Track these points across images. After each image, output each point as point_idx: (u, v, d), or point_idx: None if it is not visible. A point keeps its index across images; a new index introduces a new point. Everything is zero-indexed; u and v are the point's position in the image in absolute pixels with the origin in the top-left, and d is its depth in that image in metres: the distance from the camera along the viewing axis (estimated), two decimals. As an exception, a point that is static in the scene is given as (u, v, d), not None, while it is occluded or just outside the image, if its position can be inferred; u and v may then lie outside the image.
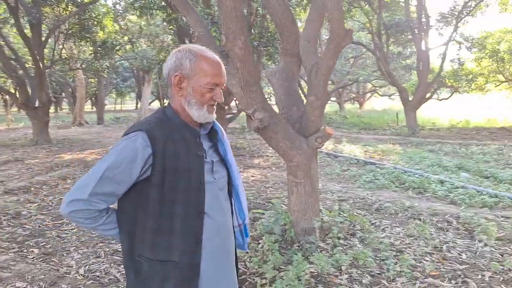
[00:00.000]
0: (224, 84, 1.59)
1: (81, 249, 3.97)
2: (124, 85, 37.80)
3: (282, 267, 3.44)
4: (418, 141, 13.36)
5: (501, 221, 4.71)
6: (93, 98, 39.98)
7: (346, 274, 3.40)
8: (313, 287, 3.18)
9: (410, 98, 16.33)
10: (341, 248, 3.84)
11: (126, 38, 23.13)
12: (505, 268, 3.46)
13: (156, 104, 45.24)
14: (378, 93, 35.87)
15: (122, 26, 23.81)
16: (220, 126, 1.74)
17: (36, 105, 12.54)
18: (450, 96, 19.33)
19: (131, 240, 1.52)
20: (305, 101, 4.31)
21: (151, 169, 1.46)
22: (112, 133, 17.58)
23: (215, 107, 1.59)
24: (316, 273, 3.36)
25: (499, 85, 18.64)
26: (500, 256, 3.75)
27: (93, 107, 41.10)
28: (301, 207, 4.14)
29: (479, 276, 3.35)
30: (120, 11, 22.67)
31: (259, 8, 9.94)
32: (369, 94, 38.38)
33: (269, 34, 10.33)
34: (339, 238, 4.08)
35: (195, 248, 1.52)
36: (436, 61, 19.65)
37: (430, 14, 15.79)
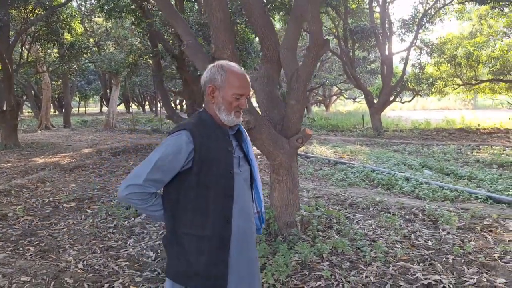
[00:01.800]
0: (249, 94, 1.93)
1: (76, 246, 4.14)
2: (88, 88, 37.09)
3: (269, 256, 3.75)
4: (383, 142, 14.04)
5: (461, 212, 5.21)
6: (56, 101, 39.03)
7: (327, 261, 3.75)
8: (300, 271, 3.51)
9: (375, 101, 17.06)
10: (321, 238, 4.19)
11: (92, 40, 22.83)
12: (466, 252, 3.91)
13: (122, 108, 44.68)
14: (344, 96, 36.92)
15: (88, 29, 23.49)
16: (244, 129, 2.07)
17: (4, 108, 12.31)
18: (411, 99, 20.30)
19: (174, 220, 1.86)
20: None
21: (192, 161, 1.80)
22: (81, 136, 17.35)
23: (241, 112, 1.92)
24: (300, 261, 3.69)
25: (457, 88, 19.75)
26: (461, 242, 4.20)
27: (56, 110, 40.07)
28: (283, 202, 4.47)
29: (444, 259, 3.79)
30: (86, 13, 22.38)
31: (231, 14, 10.24)
32: (334, 97, 39.42)
33: (240, 39, 10.63)
34: (318, 230, 4.44)
35: (225, 226, 1.85)
36: (399, 66, 20.59)
37: (393, 21, 16.58)
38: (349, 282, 3.37)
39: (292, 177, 4.46)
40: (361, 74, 21.80)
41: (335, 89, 35.78)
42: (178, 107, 38.08)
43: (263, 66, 4.90)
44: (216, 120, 1.91)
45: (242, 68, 1.95)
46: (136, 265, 3.71)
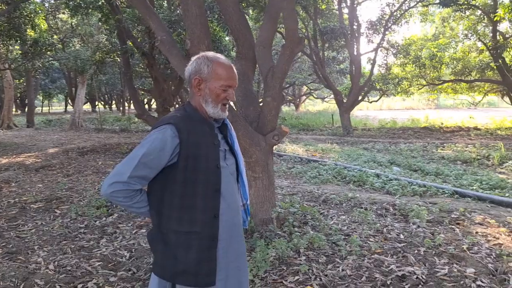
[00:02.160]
0: (236, 85, 1.89)
1: (46, 247, 4.00)
2: (53, 87, 35.92)
3: (247, 252, 3.75)
4: (353, 140, 14.33)
5: (430, 206, 5.38)
6: (18, 100, 37.57)
7: (304, 256, 3.80)
8: (277, 267, 3.53)
9: (344, 101, 17.38)
10: (297, 234, 4.23)
11: (56, 37, 22.11)
12: (436, 244, 4.05)
13: (87, 107, 43.50)
14: (313, 95, 37.38)
15: (53, 25, 22.73)
16: (229, 122, 2.03)
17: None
18: (379, 99, 20.81)
19: (160, 216, 1.81)
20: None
21: (178, 156, 1.75)
22: (46, 136, 16.78)
23: (227, 105, 1.89)
24: (277, 256, 3.71)
25: (421, 88, 20.41)
26: (431, 235, 4.34)
27: (18, 110, 38.56)
28: (259, 199, 4.48)
29: (416, 251, 3.90)
30: (50, 10, 21.65)
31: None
32: (304, 97, 39.87)
33: (211, 37, 10.56)
34: (294, 226, 4.49)
35: (213, 221, 1.82)
36: (367, 66, 21.07)
37: (361, 22, 16.93)
38: (326, 275, 3.42)
39: (268, 174, 4.48)
40: (330, 74, 22.14)
41: (304, 88, 36.18)
42: (147, 106, 37.40)
43: (238, 63, 4.90)
44: (201, 113, 1.87)
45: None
46: (110, 265, 3.63)
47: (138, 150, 1.74)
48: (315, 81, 25.53)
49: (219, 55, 1.89)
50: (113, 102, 47.44)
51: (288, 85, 28.05)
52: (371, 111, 37.72)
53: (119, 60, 15.23)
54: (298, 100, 38.81)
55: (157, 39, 4.12)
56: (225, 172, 1.88)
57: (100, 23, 16.53)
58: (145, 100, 37.42)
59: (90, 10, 11.40)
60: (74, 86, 26.07)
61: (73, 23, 22.82)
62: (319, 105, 45.83)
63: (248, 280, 2.06)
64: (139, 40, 11.25)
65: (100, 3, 10.79)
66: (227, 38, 12.11)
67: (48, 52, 17.55)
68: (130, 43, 11.34)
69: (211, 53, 1.89)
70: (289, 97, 38.33)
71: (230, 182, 1.92)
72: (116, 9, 10.67)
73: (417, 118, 21.98)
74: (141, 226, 4.71)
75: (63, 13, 21.87)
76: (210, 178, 1.81)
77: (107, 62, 16.38)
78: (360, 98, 17.76)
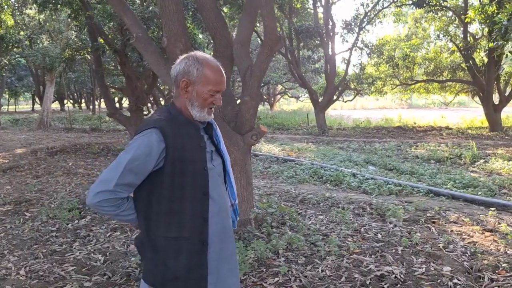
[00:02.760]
0: (224, 89, 1.82)
1: (16, 252, 3.82)
2: (19, 85, 34.68)
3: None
4: (328, 139, 14.44)
5: (406, 205, 5.45)
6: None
7: (283, 257, 3.75)
8: (257, 269, 3.48)
9: (320, 100, 17.49)
10: (276, 235, 4.19)
11: (23, 33, 21.37)
12: (413, 243, 4.08)
13: (56, 105, 42.25)
14: (288, 94, 37.54)
15: (19, 21, 21.95)
16: (214, 121, 1.95)
17: None
18: (353, 98, 21.07)
19: (148, 222, 1.75)
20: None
21: (164, 161, 1.69)
22: (13, 135, 16.20)
23: (213, 109, 1.82)
24: (256, 258, 3.66)
25: (394, 88, 20.79)
26: (408, 234, 4.39)
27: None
28: (237, 200, 4.41)
29: (393, 251, 3.93)
30: (17, 5, 20.90)
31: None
32: (279, 96, 39.99)
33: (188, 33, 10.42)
34: (272, 227, 4.44)
35: (203, 226, 1.76)
36: (342, 66, 21.30)
37: (336, 22, 17.12)
38: (306, 276, 3.39)
39: (246, 174, 4.42)
40: (305, 73, 22.27)
41: (279, 87, 36.29)
42: (118, 105, 36.64)
43: (215, 61, 4.82)
44: (186, 115, 1.80)
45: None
46: (84, 270, 3.49)
47: (123, 156, 1.67)
48: (290, 80, 25.66)
49: (208, 57, 1.80)
50: (83, 100, 46.28)
51: (263, 84, 28.04)
52: (345, 111, 38.16)
53: (89, 57, 14.83)
54: (272, 99, 38.88)
55: (132, 37, 3.99)
56: (213, 174, 1.82)
57: (69, 20, 16.07)
58: (116, 99, 36.70)
59: (59, 6, 11.03)
60: (42, 84, 25.25)
61: (41, 19, 22.11)
62: (293, 104, 46.07)
63: (239, 281, 2.01)
64: (110, 37, 10.97)
65: (70, -2, 10.44)
66: (201, 36, 11.95)
67: (15, 49, 16.92)
68: (101, 40, 11.04)
69: (200, 54, 1.80)
70: (264, 96, 38.38)
71: (218, 184, 1.86)
72: (87, 5, 10.36)
73: (391, 117, 22.38)
74: (115, 229, 4.57)
75: (31, 8, 21.16)
76: (198, 181, 1.76)
77: (77, 59, 15.94)
78: (335, 97, 17.93)
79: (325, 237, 4.28)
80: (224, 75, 1.81)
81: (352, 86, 18.92)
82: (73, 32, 18.84)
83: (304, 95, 35.51)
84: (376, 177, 7.07)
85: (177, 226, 1.73)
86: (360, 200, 5.80)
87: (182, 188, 1.72)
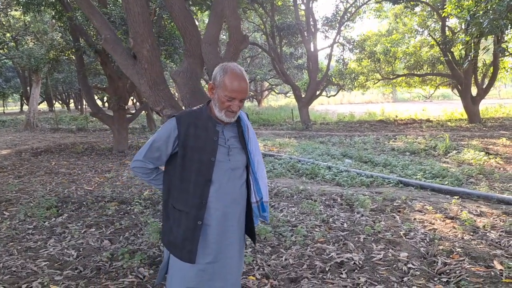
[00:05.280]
0: (243, 98, 2.05)
1: (-9, 250, 3.93)
2: (7, 86, 34.33)
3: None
4: (311, 134, 14.64)
5: (375, 196, 5.65)
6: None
7: (250, 248, 3.92)
8: (223, 259, 3.63)
9: (303, 95, 17.70)
10: (246, 227, 4.35)
11: (9, 35, 21.20)
12: (376, 231, 4.28)
13: (44, 106, 41.91)
14: (274, 91, 37.70)
15: (4, 23, 21.78)
16: (248, 124, 2.21)
17: None
18: (336, 93, 21.31)
19: (168, 193, 2.14)
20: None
21: (177, 146, 2.06)
22: (-2, 137, 16.12)
23: (234, 113, 2.06)
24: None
25: (376, 82, 21.07)
26: (373, 223, 4.58)
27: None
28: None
29: (356, 239, 4.12)
30: (1, 6, 20.72)
31: (156, 9, 10.08)
32: (266, 92, 40.13)
33: (167, 33, 10.50)
34: (243, 219, 4.60)
35: (200, 206, 2.05)
36: (324, 61, 21.51)
37: (317, 18, 17.29)
38: (269, 265, 3.56)
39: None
40: (289, 70, 22.44)
41: (266, 84, 36.43)
42: (106, 104, 36.51)
43: (185, 60, 4.95)
44: (212, 112, 2.09)
45: (244, 73, 2.06)
46: (56, 265, 3.61)
47: (153, 136, 2.12)
48: (275, 76, 25.78)
49: (234, 67, 2.04)
50: (71, 101, 45.94)
51: (249, 81, 28.14)
52: (331, 106, 38.49)
53: (74, 58, 14.81)
54: (260, 95, 39.01)
55: (101, 38, 4.11)
56: (222, 166, 2.07)
57: (54, 21, 16.02)
58: (105, 98, 36.56)
59: (43, 7, 11.04)
60: (29, 85, 25.08)
61: (26, 21, 21.96)
62: (281, 100, 46.27)
63: (239, 271, 2.24)
64: (94, 39, 11.01)
65: (53, 0, 10.46)
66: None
67: (1, 51, 16.79)
68: (83, 40, 11.09)
69: (230, 64, 2.06)
70: (251, 93, 38.50)
71: (229, 176, 2.10)
72: (67, 6, 10.40)
73: (374, 111, 22.68)
74: (91, 226, 4.69)
75: (16, 10, 20.98)
76: (202, 168, 2.04)
77: (63, 60, 15.91)
78: (318, 93, 18.14)
79: (293, 228, 4.45)
80: (244, 85, 2.03)
81: (335, 82, 19.15)
82: (58, 33, 18.75)
83: (291, 91, 35.71)
84: (350, 169, 7.28)
85: (183, 201, 2.06)
86: (333, 192, 5.99)
87: (189, 171, 2.04)
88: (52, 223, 4.80)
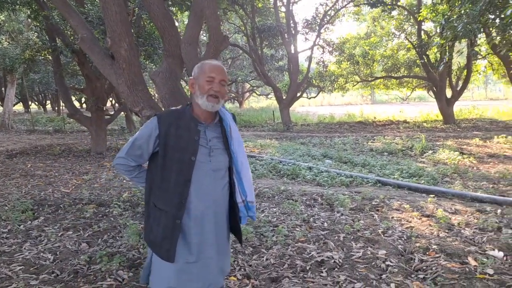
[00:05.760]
0: (222, 80, 2.10)
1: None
2: (-20, 86, 33.35)
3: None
4: (292, 135, 14.73)
5: (354, 195, 5.73)
6: None
7: (232, 248, 3.91)
8: (204, 260, 3.62)
9: (284, 97, 17.79)
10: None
11: (-19, 34, 20.63)
12: (355, 230, 4.34)
13: (19, 107, 40.91)
14: (256, 92, 37.77)
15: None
16: (232, 125, 2.18)
17: None
18: (317, 95, 21.50)
19: (149, 192, 2.16)
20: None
21: (158, 145, 2.07)
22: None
23: (216, 98, 2.07)
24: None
25: (356, 85, 21.36)
26: (352, 222, 4.64)
27: None
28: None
29: (336, 237, 4.16)
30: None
31: (135, 9, 9.98)
32: (247, 94, 40.16)
33: (146, 34, 10.40)
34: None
35: (179, 205, 2.05)
36: (305, 63, 21.67)
37: (297, 21, 17.43)
38: (250, 265, 3.57)
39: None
40: (270, 71, 22.52)
41: (247, 86, 36.46)
42: (84, 105, 35.84)
43: (165, 60, 4.92)
44: (195, 111, 2.12)
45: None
46: (32, 269, 3.53)
47: (135, 134, 2.15)
48: (256, 78, 25.83)
49: (212, 60, 2.16)
50: (48, 102, 44.98)
51: (230, 82, 28.14)
52: (312, 107, 38.80)
53: (50, 58, 14.51)
54: (241, 97, 39.02)
55: (77, 37, 4.05)
56: (203, 167, 2.09)
57: (29, 20, 15.67)
58: (82, 99, 35.89)
59: (18, 6, 10.80)
60: (3, 86, 24.44)
61: (0, 20, 21.41)
62: (263, 101, 46.38)
63: (220, 270, 2.22)
64: (71, 39, 10.82)
65: (29, -2, 10.24)
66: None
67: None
68: (59, 40, 10.88)
69: (206, 60, 2.16)
70: (233, 94, 38.45)
71: (210, 177, 2.11)
72: (43, 5, 10.20)
73: (353, 113, 22.97)
74: (68, 228, 4.61)
75: (-10, 9, 20.45)
76: (183, 167, 2.05)
77: (39, 60, 15.58)
78: (299, 94, 18.26)
79: (274, 228, 4.47)
80: (220, 68, 2.11)
81: (316, 83, 19.32)
82: (34, 32, 18.35)
83: (272, 92, 35.82)
84: (330, 169, 7.35)
85: (163, 200, 2.08)
86: (313, 192, 6.04)
87: (170, 170, 2.05)
88: (27, 227, 4.69)
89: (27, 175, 7.89)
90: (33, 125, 20.85)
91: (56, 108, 36.66)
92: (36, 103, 43.66)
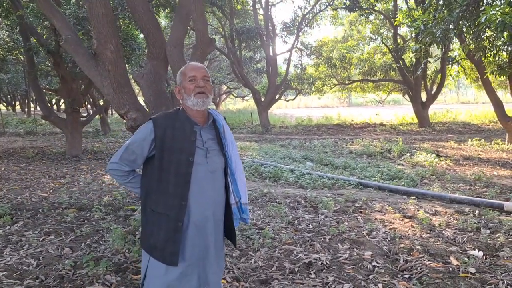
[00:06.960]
0: (204, 76, 2.12)
1: None
2: None
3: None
4: (271, 137, 14.79)
5: (337, 197, 5.81)
6: None
7: (219, 251, 3.90)
8: (192, 264, 3.60)
9: (262, 99, 17.85)
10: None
11: None
12: (340, 231, 4.40)
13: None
14: (233, 94, 37.73)
15: None
16: (224, 126, 2.21)
17: None
18: (295, 97, 21.68)
19: (145, 196, 2.14)
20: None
21: (154, 148, 2.07)
22: None
23: (203, 94, 2.09)
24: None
25: (333, 87, 21.66)
26: (337, 223, 4.71)
27: None
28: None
29: (322, 239, 4.21)
30: None
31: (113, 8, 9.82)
32: (224, 96, 40.08)
33: (123, 34, 10.25)
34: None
35: (180, 207, 2.05)
36: (283, 66, 21.81)
37: (276, 23, 17.55)
38: (239, 268, 3.57)
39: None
40: (248, 73, 22.55)
41: (224, 87, 36.38)
42: (55, 106, 34.93)
43: (149, 63, 4.87)
44: (188, 113, 2.13)
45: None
46: (15, 275, 3.42)
47: (129, 139, 2.14)
48: (234, 80, 25.83)
49: (190, 63, 2.22)
50: (17, 103, 43.62)
51: (208, 83, 27.98)
52: (289, 109, 39.07)
53: (22, 58, 14.12)
54: (218, 99, 38.89)
55: (61, 38, 3.96)
56: (201, 168, 2.09)
57: (0, 19, 15.19)
58: (54, 101, 34.98)
59: (-12, 4, 10.45)
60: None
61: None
62: (239, 103, 46.39)
63: (218, 271, 2.24)
64: (44, 37, 10.55)
65: (-1, -4, 9.91)
66: (141, 36, 11.81)
67: None
68: (34, 40, 10.60)
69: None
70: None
71: (207, 178, 2.11)
72: (17, 3, 9.90)
73: (331, 115, 23.27)
74: (49, 233, 4.49)
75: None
76: (181, 169, 2.05)
77: (9, 60, 15.12)
78: (277, 97, 18.37)
79: (260, 231, 4.48)
80: (200, 66, 2.16)
81: (294, 86, 19.47)
82: (4, 31, 17.80)
83: (249, 94, 35.87)
84: (312, 172, 7.43)
85: (162, 203, 2.06)
86: (296, 194, 6.09)
87: (168, 172, 2.05)
88: (6, 232, 4.55)
89: (2, 179, 7.64)
90: (3, 127, 20.20)
91: (26, 109, 35.61)
92: (5, 104, 42.27)
